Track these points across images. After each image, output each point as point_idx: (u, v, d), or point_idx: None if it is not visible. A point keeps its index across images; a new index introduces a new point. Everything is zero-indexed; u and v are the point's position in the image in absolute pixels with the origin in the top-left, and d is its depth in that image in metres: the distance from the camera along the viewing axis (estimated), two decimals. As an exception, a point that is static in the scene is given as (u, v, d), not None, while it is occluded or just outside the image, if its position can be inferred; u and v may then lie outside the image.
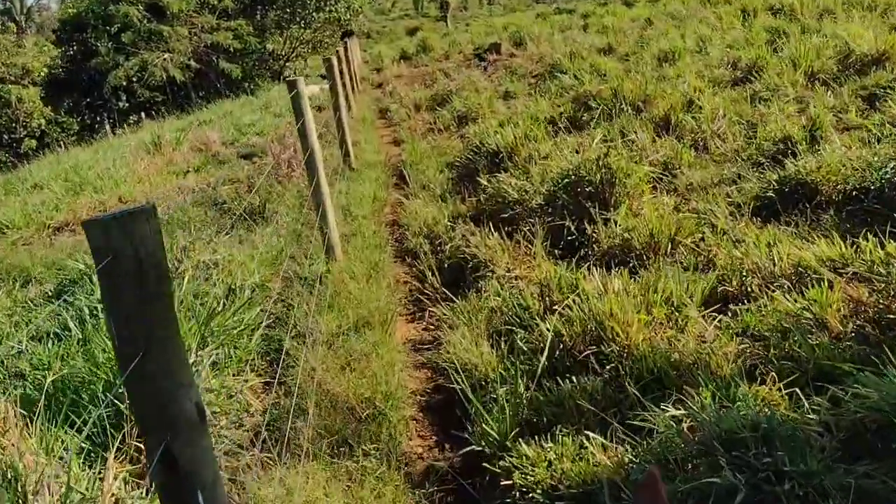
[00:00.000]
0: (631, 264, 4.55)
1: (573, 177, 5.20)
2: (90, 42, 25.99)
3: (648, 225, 4.65)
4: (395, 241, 6.24)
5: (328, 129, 10.78)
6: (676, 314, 3.61)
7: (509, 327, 3.91)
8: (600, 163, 5.13)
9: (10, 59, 23.77)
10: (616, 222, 4.95)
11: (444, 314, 4.41)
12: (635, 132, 6.86)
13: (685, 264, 4.41)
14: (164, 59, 24.50)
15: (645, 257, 4.54)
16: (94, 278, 5.71)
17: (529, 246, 4.91)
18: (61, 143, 24.26)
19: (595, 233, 4.92)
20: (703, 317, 3.59)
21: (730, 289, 3.88)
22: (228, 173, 10.16)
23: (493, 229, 5.31)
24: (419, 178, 7.68)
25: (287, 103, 16.79)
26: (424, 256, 5.59)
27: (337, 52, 11.90)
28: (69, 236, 8.80)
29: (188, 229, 7.63)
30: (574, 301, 3.73)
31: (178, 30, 25.23)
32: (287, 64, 32.31)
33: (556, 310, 3.86)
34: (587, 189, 5.15)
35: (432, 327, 4.56)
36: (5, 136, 23.41)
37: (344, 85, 12.02)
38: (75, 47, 26.20)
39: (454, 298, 4.51)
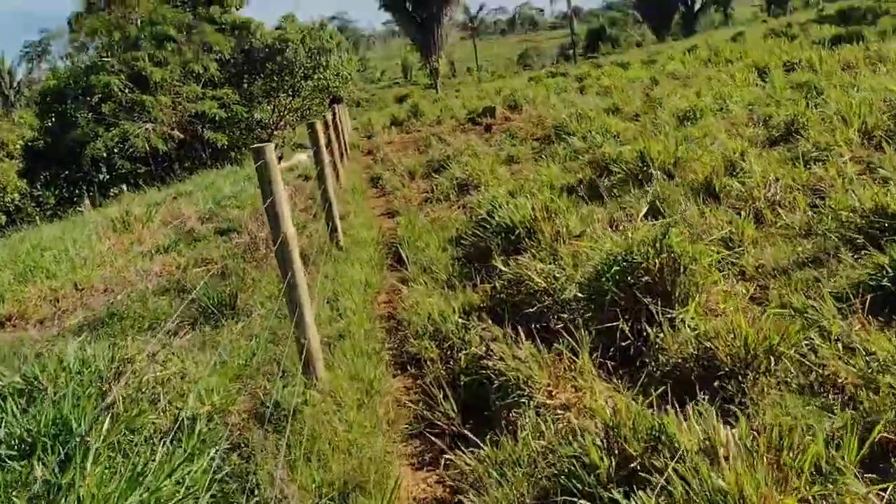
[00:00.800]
0: (716, 384, 3.35)
1: (624, 263, 4.02)
2: (69, 113, 25.11)
3: (735, 328, 3.46)
4: (394, 343, 5.01)
5: (314, 200, 9.68)
6: (829, 484, 2.39)
7: (567, 499, 2.67)
8: (659, 245, 3.96)
9: (-18, 132, 22.85)
10: (685, 322, 3.77)
11: (467, 464, 3.17)
12: (681, 203, 5.72)
13: (794, 385, 3.21)
14: (146, 130, 23.58)
15: (737, 376, 3.33)
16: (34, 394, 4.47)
17: (573, 357, 3.70)
18: (35, 218, 23.14)
19: (659, 338, 3.72)
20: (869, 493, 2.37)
21: (891, 436, 2.67)
22: (201, 253, 8.99)
23: (516, 329, 4.11)
24: (419, 259, 6.51)
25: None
26: (432, 365, 4.36)
27: (324, 117, 10.89)
28: (10, 332, 7.54)
29: (141, 328, 6.42)
30: (668, 462, 2.50)
31: (160, 99, 24.41)
32: (275, 133, 31.55)
33: (636, 470, 2.63)
34: (643, 279, 3.97)
35: (449, 480, 3.30)
36: (-25, 212, 22.37)
37: (332, 152, 10.98)
38: (54, 119, 25.30)
39: (478, 442, 3.26)
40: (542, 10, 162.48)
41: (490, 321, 4.72)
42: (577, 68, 32.20)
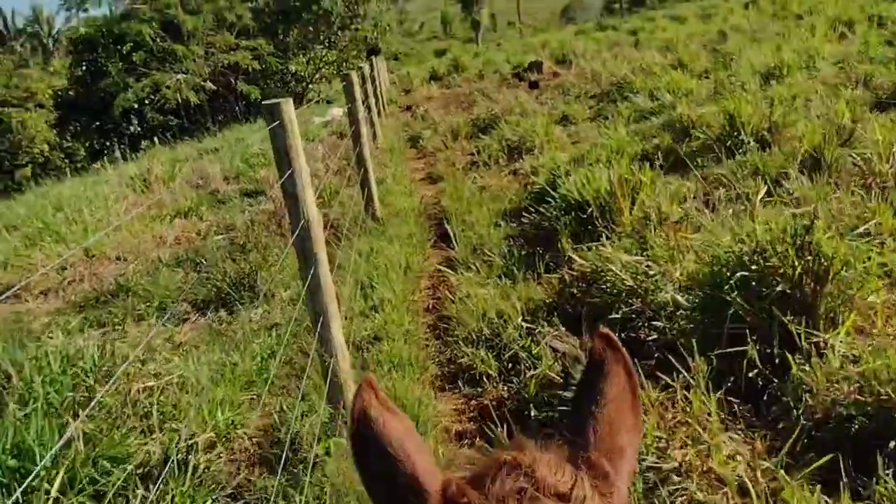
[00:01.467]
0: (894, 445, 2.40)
1: (754, 267, 3.03)
2: (100, 62, 24.37)
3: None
4: (440, 347, 4.10)
5: (348, 161, 8.76)
6: None
7: None
8: (801, 243, 2.96)
9: (10, 81, 22.14)
10: (835, 350, 2.80)
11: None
12: (793, 180, 4.67)
13: None
14: (178, 81, 22.76)
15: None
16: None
17: (686, 394, 2.76)
18: (65, 170, 22.60)
19: (803, 372, 2.75)
20: None
21: None
22: (223, 218, 8.15)
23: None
24: (468, 237, 5.56)
25: (306, 128, 14.80)
26: (489, 384, 3.46)
27: (360, 69, 9.90)
28: (10, 303, 6.80)
29: (149, 306, 5.61)
30: None
31: (193, 49, 23.52)
32: (310, 86, 30.56)
33: None
34: (776, 287, 2.98)
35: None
36: (6, 163, 21.77)
37: (368, 109, 10.00)
38: (84, 68, 24.59)
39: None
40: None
41: (561, 326, 3.80)
42: (627, 22, 30.53)
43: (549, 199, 5.40)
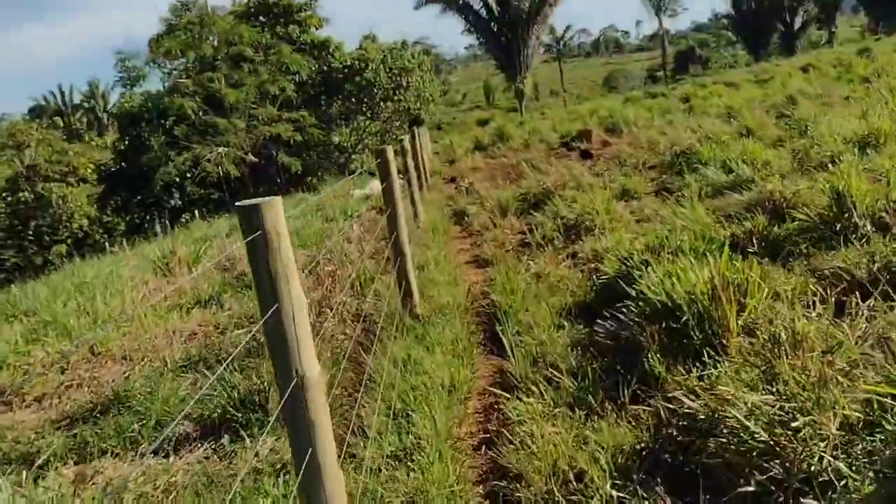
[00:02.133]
0: None
1: None
2: (143, 136, 24.38)
3: None
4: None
5: (386, 242, 7.91)
6: None
7: None
8: None
9: (53, 156, 22.24)
10: None
11: None
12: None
13: None
14: (219, 154, 22.53)
15: None
16: None
17: None
18: (104, 244, 22.29)
19: None
20: None
21: None
22: (248, 308, 7.29)
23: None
24: (526, 345, 4.55)
25: (345, 202, 14.08)
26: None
27: (401, 141, 9.14)
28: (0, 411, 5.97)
29: (145, 425, 4.69)
30: None
31: (234, 122, 23.37)
32: (353, 157, 30.30)
33: None
34: None
35: None
36: (45, 238, 21.62)
37: (409, 183, 9.19)
38: (128, 142, 24.61)
39: None
40: (627, 33, 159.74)
41: (661, 487, 2.74)
42: (675, 89, 29.79)
43: (627, 299, 4.38)
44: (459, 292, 6.04)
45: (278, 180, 26.28)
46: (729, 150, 9.13)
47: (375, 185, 17.55)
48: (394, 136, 29.96)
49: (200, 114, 23.89)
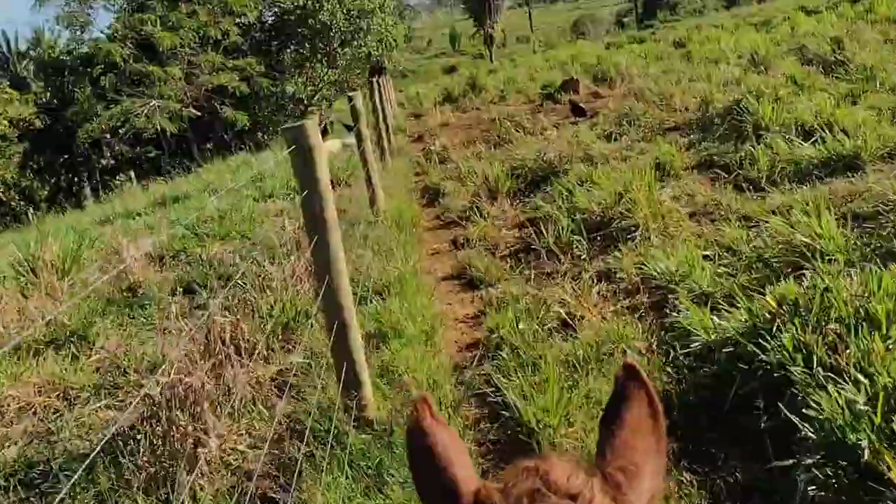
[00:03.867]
0: None
1: None
2: (68, 87, 21.33)
3: None
4: None
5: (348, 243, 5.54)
6: None
7: None
8: None
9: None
10: None
11: None
12: None
13: None
14: (151, 107, 19.64)
15: None
16: None
17: None
18: (26, 213, 19.45)
19: None
20: None
21: None
22: (126, 347, 4.94)
23: None
24: None
25: (289, 173, 11.56)
26: None
27: (351, 100, 6.68)
28: None
29: None
30: None
31: (170, 71, 20.41)
32: (309, 109, 27.46)
33: None
34: None
35: None
36: (-50, 207, 18.76)
37: (364, 154, 6.76)
38: (49, 93, 21.54)
39: None
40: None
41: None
42: (661, 30, 27.23)
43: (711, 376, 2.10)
44: (439, 363, 3.68)
45: (224, 136, 23.47)
46: (790, 108, 6.82)
47: (329, 146, 15.00)
48: (354, 86, 27.19)
49: (132, 61, 20.86)
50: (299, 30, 24.45)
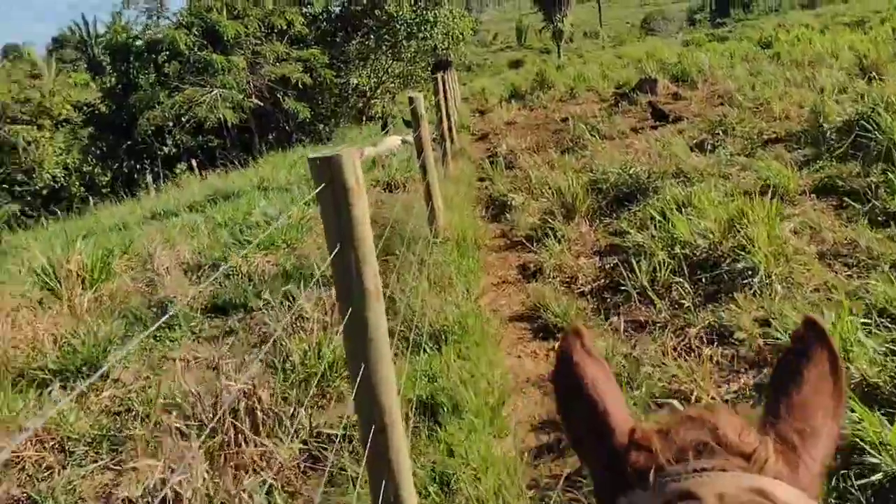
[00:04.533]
0: None
1: None
2: (133, 73, 21.17)
3: None
4: None
5: (387, 269, 4.80)
6: None
7: None
8: None
9: (21, 94, 18.98)
10: None
11: None
12: None
13: None
14: (213, 97, 19.27)
15: None
16: None
17: None
18: (88, 200, 19.31)
19: None
20: None
21: None
22: (145, 390, 4.27)
23: None
24: None
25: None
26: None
27: (411, 101, 5.88)
28: None
29: None
30: None
31: (234, 60, 20.00)
32: (372, 101, 26.88)
33: None
34: None
35: None
36: (16, 189, 18.66)
37: (424, 162, 5.95)
38: (114, 79, 21.39)
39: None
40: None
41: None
42: (747, 30, 25.64)
43: None
44: (507, 459, 2.83)
45: (286, 128, 23.04)
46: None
47: (390, 142, 14.26)
48: (418, 79, 26.45)
49: (196, 49, 20.53)
50: (365, 20, 23.81)
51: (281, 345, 3.74)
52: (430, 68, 24.47)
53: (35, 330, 5.15)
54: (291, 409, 3.10)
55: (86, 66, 27.08)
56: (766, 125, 8.21)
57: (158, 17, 22.93)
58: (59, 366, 4.55)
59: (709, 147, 7.65)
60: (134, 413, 4.01)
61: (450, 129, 12.49)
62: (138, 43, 22.20)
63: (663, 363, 3.51)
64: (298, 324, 3.99)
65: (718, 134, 8.13)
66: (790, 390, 0.72)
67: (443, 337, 3.93)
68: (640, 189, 6.11)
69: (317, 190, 1.96)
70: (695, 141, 8.25)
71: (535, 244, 5.79)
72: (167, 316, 4.01)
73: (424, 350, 3.83)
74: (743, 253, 4.22)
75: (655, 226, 5.08)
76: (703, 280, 4.25)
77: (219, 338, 5.09)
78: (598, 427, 0.71)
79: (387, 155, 12.69)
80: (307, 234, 7.22)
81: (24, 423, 3.94)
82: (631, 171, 6.35)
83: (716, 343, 3.63)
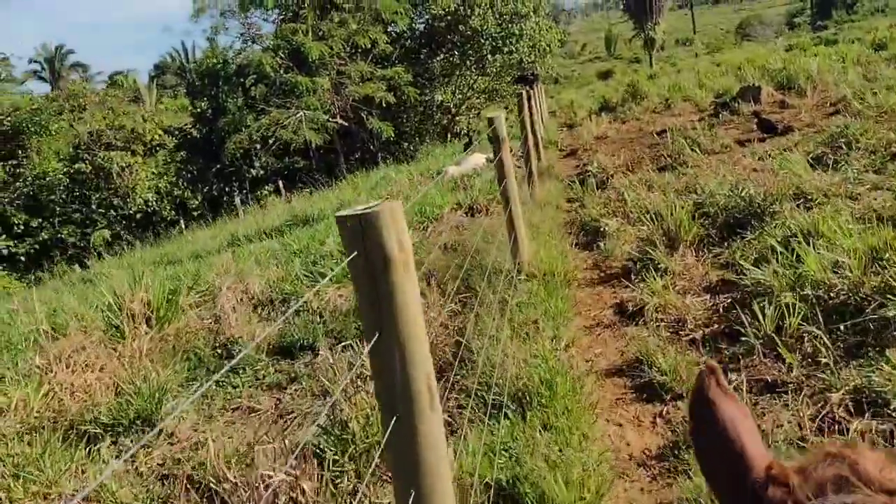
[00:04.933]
0: None
1: None
2: (222, 97, 21.52)
3: None
4: None
5: (467, 304, 4.27)
6: None
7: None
8: None
9: (115, 121, 19.59)
10: None
11: None
12: None
13: None
14: (297, 119, 19.31)
15: None
16: None
17: None
18: (177, 221, 19.65)
19: None
20: None
21: None
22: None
23: None
24: None
25: (422, 196, 10.24)
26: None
27: (491, 122, 5.32)
28: None
29: None
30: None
31: (318, 81, 20.01)
32: (457, 118, 26.54)
33: None
34: None
35: None
36: (111, 213, 19.17)
37: (506, 190, 5.38)
38: (205, 103, 21.79)
39: None
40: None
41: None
42: (856, 31, 23.97)
43: None
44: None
45: (371, 147, 22.93)
46: None
47: (474, 161, 13.76)
48: (504, 95, 25.96)
49: (282, 72, 20.68)
50: (449, 36, 23.51)
51: (339, 409, 3.24)
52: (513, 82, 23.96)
53: (95, 374, 4.86)
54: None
55: (185, 91, 28.24)
56: (895, 136, 7.25)
57: (253, 42, 23.30)
58: (111, 419, 4.20)
59: (828, 162, 6.77)
60: (184, 476, 3.58)
61: (536, 145, 11.90)
62: (230, 68, 22.60)
63: (802, 437, 2.83)
64: (361, 381, 3.49)
65: (840, 147, 7.22)
66: None
67: (527, 399, 3.34)
68: (753, 213, 5.35)
69: (347, 260, 1.43)
70: (811, 155, 7.36)
71: (632, 278, 5.13)
72: (227, 368, 3.57)
73: (506, 415, 3.25)
74: (892, 297, 3.46)
75: (777, 259, 4.34)
76: (843, 329, 3.51)
77: (284, 385, 4.67)
78: (735, 462, 0.72)
79: (471, 174, 12.20)
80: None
81: (66, 488, 3.59)
82: (743, 193, 5.59)
83: (867, 414, 2.91)
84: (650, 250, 5.24)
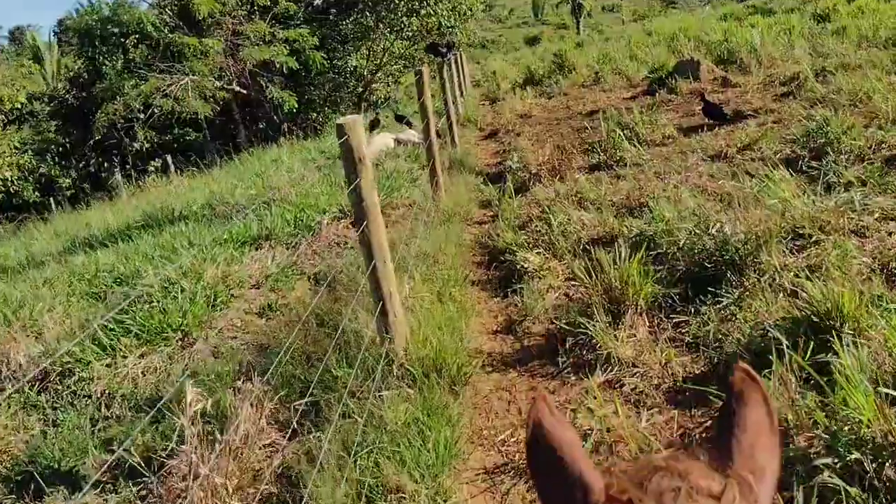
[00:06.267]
0: None
1: None
2: (98, 60, 18.86)
3: None
4: None
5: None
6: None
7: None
8: None
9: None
10: None
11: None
12: None
13: None
14: (181, 86, 16.91)
15: None
16: None
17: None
18: (45, 203, 17.10)
19: None
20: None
21: None
22: None
23: None
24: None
25: (338, 180, 8.05)
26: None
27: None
28: None
29: None
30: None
31: (207, 42, 17.61)
32: (372, 86, 24.41)
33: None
34: None
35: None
36: (-36, 194, 16.51)
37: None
38: (79, 66, 19.06)
39: None
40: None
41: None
42: (792, 0, 22.76)
43: None
44: None
45: (275, 119, 20.69)
46: None
47: (380, 142, 11.87)
48: (424, 61, 23.93)
49: (167, 31, 18.15)
50: (361, -4, 21.33)
51: None
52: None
53: None
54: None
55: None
56: (883, 133, 5.77)
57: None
58: None
59: (805, 168, 5.23)
60: None
61: (450, 126, 10.14)
62: (109, 26, 19.86)
63: None
64: None
65: (820, 148, 5.70)
66: (737, 434, 0.78)
67: None
68: (729, 262, 3.72)
69: None
70: (778, 156, 5.83)
71: (560, 360, 3.46)
72: None
73: None
74: None
75: (785, 360, 2.71)
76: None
77: None
78: (573, 486, 0.74)
79: (376, 160, 10.31)
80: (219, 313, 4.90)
81: None
82: (713, 230, 3.93)
83: None
84: (584, 322, 3.55)
